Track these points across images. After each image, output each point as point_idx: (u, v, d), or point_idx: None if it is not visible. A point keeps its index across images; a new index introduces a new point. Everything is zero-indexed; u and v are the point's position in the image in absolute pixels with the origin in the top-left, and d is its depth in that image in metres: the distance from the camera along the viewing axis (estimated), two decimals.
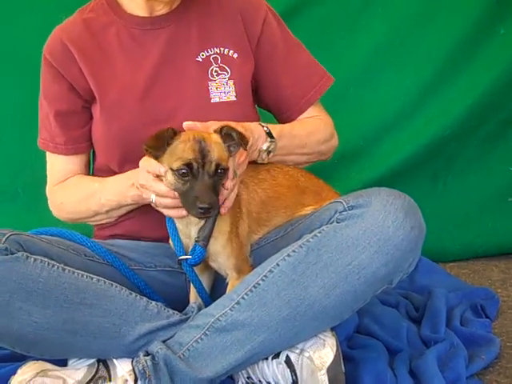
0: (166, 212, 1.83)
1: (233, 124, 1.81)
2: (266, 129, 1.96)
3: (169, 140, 1.75)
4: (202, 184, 1.71)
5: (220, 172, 1.74)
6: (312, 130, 2.11)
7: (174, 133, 1.76)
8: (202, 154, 1.72)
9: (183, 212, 1.78)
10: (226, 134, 1.78)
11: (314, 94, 2.14)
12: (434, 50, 2.90)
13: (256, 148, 1.93)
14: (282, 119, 2.16)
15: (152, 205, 1.85)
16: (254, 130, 1.91)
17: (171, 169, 1.74)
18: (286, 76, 2.12)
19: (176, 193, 1.76)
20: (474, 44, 2.89)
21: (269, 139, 1.95)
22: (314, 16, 2.88)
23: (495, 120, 2.95)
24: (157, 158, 1.78)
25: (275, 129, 1.99)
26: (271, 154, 1.96)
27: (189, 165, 1.72)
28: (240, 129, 1.80)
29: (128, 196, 1.95)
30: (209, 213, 1.70)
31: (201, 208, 1.68)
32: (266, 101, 2.17)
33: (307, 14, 2.88)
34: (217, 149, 1.74)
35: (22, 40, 2.76)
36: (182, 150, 1.73)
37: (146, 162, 1.81)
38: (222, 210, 1.80)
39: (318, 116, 2.16)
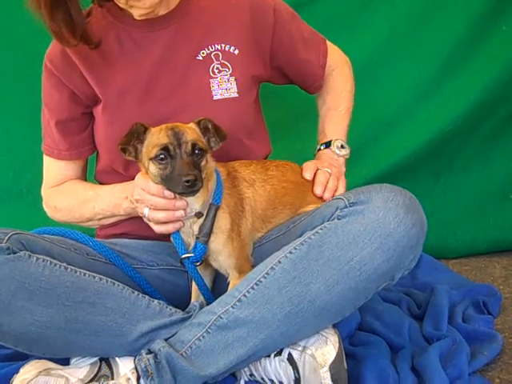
0: (156, 228, 1.87)
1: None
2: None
3: (140, 134, 1.79)
4: (181, 161, 1.74)
5: (198, 152, 1.77)
6: (342, 90, 2.30)
7: (145, 127, 1.80)
8: (177, 137, 1.76)
9: (175, 225, 1.83)
10: (205, 126, 1.82)
11: (323, 57, 2.25)
12: (435, 47, 2.89)
13: (331, 165, 2.10)
14: (309, 87, 2.29)
15: (144, 219, 1.89)
16: (319, 162, 2.10)
17: (150, 159, 1.77)
18: (303, 50, 2.19)
19: (166, 191, 1.78)
20: (476, 40, 2.88)
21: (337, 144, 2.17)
22: (314, 13, 2.87)
23: (497, 116, 2.94)
24: (136, 157, 1.82)
25: (331, 134, 2.21)
26: (346, 148, 2.18)
27: (165, 148, 1.75)
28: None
29: (121, 208, 2.00)
30: (195, 185, 1.72)
31: (186, 181, 1.70)
32: (292, 77, 2.24)
33: (309, 11, 2.86)
34: (191, 132, 1.79)
35: (25, 42, 2.75)
36: (156, 139, 1.77)
37: (142, 181, 1.84)
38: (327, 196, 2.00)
39: (332, 68, 2.29)
